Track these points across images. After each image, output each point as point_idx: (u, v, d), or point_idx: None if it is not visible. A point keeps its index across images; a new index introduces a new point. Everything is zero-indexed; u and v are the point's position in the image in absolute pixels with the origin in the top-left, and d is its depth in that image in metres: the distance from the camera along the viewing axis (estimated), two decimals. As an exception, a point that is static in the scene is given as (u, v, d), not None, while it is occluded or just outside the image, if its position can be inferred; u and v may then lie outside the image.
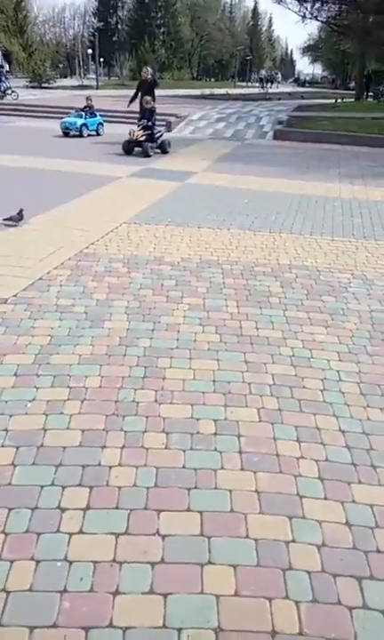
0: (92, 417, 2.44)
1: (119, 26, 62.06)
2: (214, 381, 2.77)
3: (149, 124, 10.50)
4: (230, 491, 2.03)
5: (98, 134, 13.05)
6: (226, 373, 2.85)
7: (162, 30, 59.19)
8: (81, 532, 1.81)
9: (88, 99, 13.42)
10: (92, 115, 13.16)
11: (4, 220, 5.22)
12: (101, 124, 13.33)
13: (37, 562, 1.69)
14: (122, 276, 4.22)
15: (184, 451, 2.24)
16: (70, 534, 1.80)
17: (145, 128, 10.42)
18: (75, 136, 12.72)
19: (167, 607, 1.57)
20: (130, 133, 10.37)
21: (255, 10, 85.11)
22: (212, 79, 72.66)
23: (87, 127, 12.78)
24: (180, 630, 1.51)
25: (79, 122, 12.64)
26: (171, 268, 4.43)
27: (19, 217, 5.23)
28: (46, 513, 1.88)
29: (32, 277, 4.06)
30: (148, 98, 10.81)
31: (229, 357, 3.02)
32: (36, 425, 2.36)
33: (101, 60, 45.09)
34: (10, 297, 3.70)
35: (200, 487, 2.04)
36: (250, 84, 65.96)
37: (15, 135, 13.35)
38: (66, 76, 54.45)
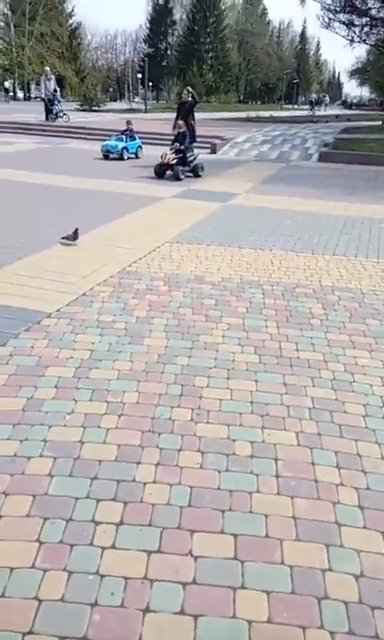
0: (128, 432, 2.47)
1: (168, 51, 64.22)
2: (252, 402, 2.75)
3: (182, 147, 10.38)
4: (266, 515, 1.99)
5: (137, 157, 13.13)
6: (264, 395, 2.83)
7: (210, 55, 60.77)
8: (113, 546, 1.82)
9: (128, 122, 13.62)
10: (132, 138, 13.31)
11: (62, 238, 5.45)
12: (141, 146, 13.48)
13: (70, 573, 1.71)
14: (162, 294, 4.28)
15: (219, 471, 2.22)
16: (103, 548, 1.81)
17: (177, 152, 10.32)
18: (115, 159, 12.84)
19: (197, 629, 1.55)
20: (162, 157, 10.35)
21: (303, 34, 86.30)
22: (259, 102, 73.66)
23: (127, 150, 12.90)
24: (209, 655, 1.48)
25: (120, 145, 12.78)
26: (211, 288, 4.46)
27: (74, 236, 5.42)
28: (80, 525, 1.90)
29: (76, 293, 4.18)
30: (181, 122, 10.88)
31: (268, 379, 3.00)
32: (73, 437, 2.41)
33: (150, 83, 46.70)
34: (53, 311, 3.81)
35: (235, 510, 2.02)
36: (296, 106, 66.49)
37: (66, 156, 13.90)
38: (115, 100, 56.58)
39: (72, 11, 52.74)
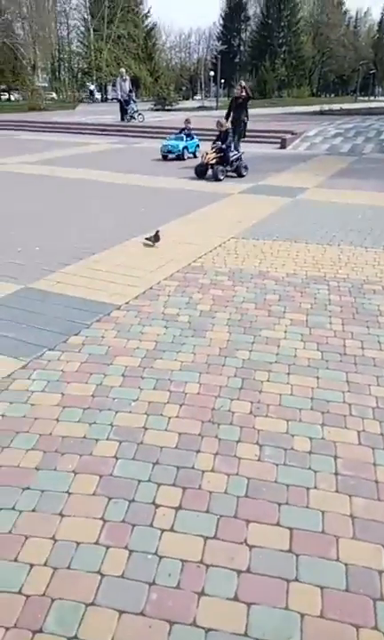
0: (189, 421, 2.53)
1: (241, 47, 63.77)
2: (312, 399, 2.72)
3: (223, 146, 9.80)
4: (323, 512, 1.98)
5: (195, 156, 12.53)
6: (325, 392, 2.78)
7: (283, 49, 59.63)
8: (172, 529, 1.89)
9: (186, 121, 13.13)
10: (191, 137, 12.89)
11: (146, 239, 5.42)
12: (198, 145, 12.94)
13: (130, 551, 1.80)
14: (226, 289, 4.31)
15: (277, 465, 2.23)
16: (162, 530, 1.89)
17: (218, 151, 9.80)
18: (173, 159, 12.40)
19: (250, 616, 1.58)
20: (202, 156, 10.00)
21: (381, 23, 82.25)
22: (333, 95, 71.33)
23: (188, 150, 12.55)
24: (260, 642, 1.51)
25: (181, 145, 12.43)
26: (275, 283, 4.43)
27: (156, 238, 5.38)
28: (142, 507, 1.99)
29: (143, 287, 4.32)
30: (222, 121, 10.30)
31: (330, 376, 2.95)
32: (137, 423, 2.51)
33: (222, 80, 46.64)
34: (122, 304, 3.96)
35: (291, 503, 2.02)
36: (372, 98, 63.64)
37: (138, 155, 14.26)
38: (187, 98, 57.10)
39: (148, 12, 53.80)
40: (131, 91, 20.47)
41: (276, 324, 3.62)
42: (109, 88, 50.46)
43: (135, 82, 45.94)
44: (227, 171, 9.89)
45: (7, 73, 39.47)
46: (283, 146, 15.08)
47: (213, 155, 9.74)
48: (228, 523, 1.92)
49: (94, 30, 45.83)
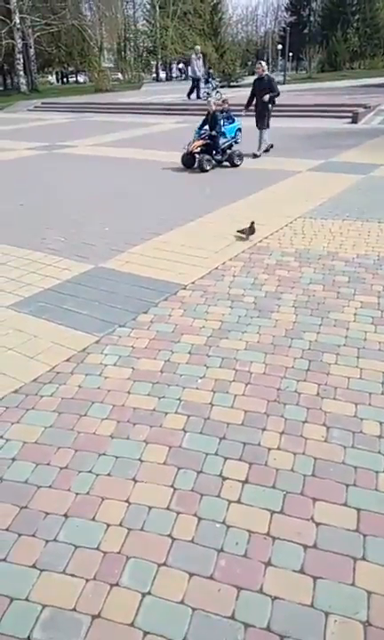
0: (254, 400, 2.57)
1: (311, 17, 60.76)
2: (383, 383, 2.66)
3: (213, 132, 8.50)
4: (392, 495, 1.96)
5: (235, 142, 10.41)
6: (397, 376, 2.71)
7: (356, 17, 56.19)
8: (239, 501, 1.95)
9: (225, 101, 11.04)
10: (230, 120, 10.78)
11: (238, 232, 5.03)
12: (240, 129, 10.54)
13: (199, 519, 1.88)
14: (292, 269, 4.25)
15: (345, 447, 2.22)
16: (229, 501, 1.95)
17: (208, 138, 8.57)
18: None
19: (316, 589, 1.61)
20: (188, 144, 8.63)
21: None
22: (410, 64, 66.55)
23: (224, 135, 10.16)
24: (327, 614, 1.54)
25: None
26: (345, 264, 4.31)
27: (250, 230, 4.97)
28: (209, 478, 2.06)
29: (209, 267, 4.35)
30: (216, 99, 9.25)
31: (403, 360, 2.86)
32: (204, 399, 2.58)
33: (290, 54, 44.82)
34: (188, 284, 4.02)
35: (359, 485, 2.01)
36: None
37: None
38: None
39: (214, -15, 52.36)
40: (210, 68, 19.96)
41: (345, 307, 3.54)
42: (174, 66, 50.00)
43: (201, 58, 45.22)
44: (217, 161, 8.68)
45: (75, 55, 40.07)
46: (354, 120, 14.37)
47: (200, 142, 8.50)
48: (295, 499, 1.95)
49: (160, 7, 45.29)
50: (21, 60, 32.28)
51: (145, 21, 49.82)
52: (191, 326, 3.34)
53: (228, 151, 8.89)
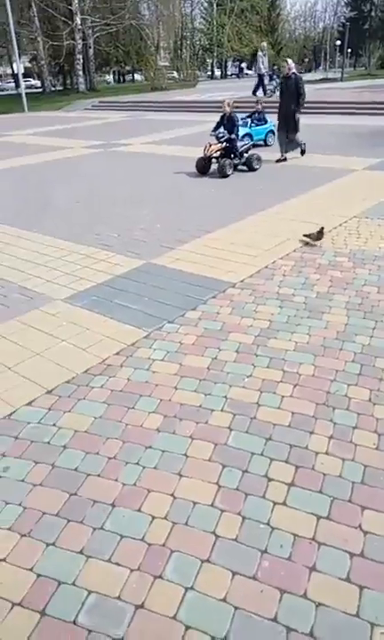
0: (302, 402, 2.52)
1: (372, 12, 58.84)
2: None
3: (233, 136, 8.00)
4: None
5: (266, 144, 10.34)
6: None
7: (421, 10, 53.87)
8: (284, 503, 1.93)
9: (258, 102, 10.84)
10: (262, 121, 10.48)
11: (304, 236, 4.79)
12: (272, 131, 10.41)
13: (244, 518, 1.87)
14: (346, 270, 4.15)
15: (397, 455, 2.15)
16: (274, 503, 1.93)
17: (225, 142, 8.04)
18: None
19: (362, 599, 1.57)
20: (205, 148, 8.05)
21: None
22: None
23: (251, 138, 9.82)
24: (373, 625, 1.50)
25: (241, 132, 9.42)
26: (402, 267, 4.16)
27: (318, 236, 4.72)
28: (254, 478, 2.05)
29: (258, 266, 4.31)
30: (229, 100, 8.36)
31: None
32: (251, 399, 2.56)
33: (349, 50, 43.63)
34: (237, 282, 4.00)
35: (411, 496, 1.94)
36: None
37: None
38: (310, 70, 54.39)
39: (273, -19, 51.72)
40: (274, 65, 19.80)
41: (400, 310, 3.41)
42: (229, 64, 49.80)
43: (255, 55, 44.84)
44: (236, 165, 8.18)
45: (132, 54, 40.70)
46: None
47: (217, 146, 7.99)
48: (342, 506, 1.91)
49: (218, 5, 45.27)
50: (81, 60, 33.12)
51: (202, 19, 49.93)
52: (239, 325, 3.32)
53: (246, 155, 8.30)
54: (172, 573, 1.68)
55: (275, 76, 19.43)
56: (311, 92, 20.44)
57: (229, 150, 8.03)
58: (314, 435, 2.29)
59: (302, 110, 8.69)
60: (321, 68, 54.67)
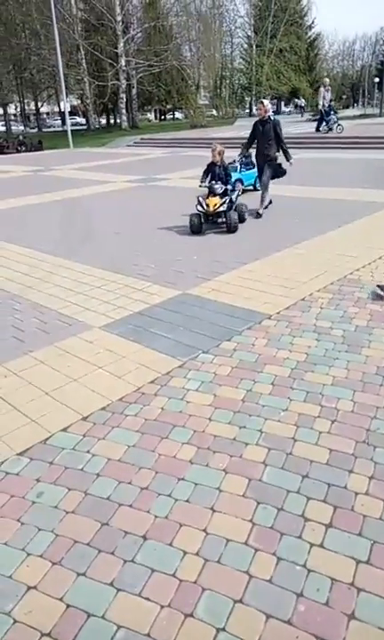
0: (341, 439, 2.45)
1: (411, 50, 59.71)
2: None
3: (229, 187, 7.04)
4: None
5: (255, 189, 9.25)
6: None
7: None
8: (322, 545, 1.85)
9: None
10: (248, 165, 9.54)
11: (378, 286, 4.33)
12: None
13: (279, 559, 1.81)
14: (386, 304, 4.08)
15: None
16: (311, 544, 1.86)
17: (223, 194, 6.94)
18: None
19: (406, 655, 1.47)
20: (199, 203, 6.87)
21: None
22: None
23: (242, 182, 9.16)
24: None
25: (233, 177, 7.93)
26: None
27: None
28: (290, 517, 1.98)
29: (295, 298, 4.29)
30: (220, 148, 7.12)
31: None
32: (286, 433, 2.51)
33: (387, 87, 44.13)
34: (274, 313, 3.99)
35: None
36: None
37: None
38: (347, 107, 55.16)
39: (312, 23, 53.39)
40: (331, 100, 20.07)
41: None
42: (267, 100, 51.03)
43: (294, 93, 45.90)
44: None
45: (173, 93, 42.49)
46: None
47: (218, 200, 6.82)
48: (383, 551, 1.82)
49: (257, 46, 46.94)
50: (124, 99, 34.84)
51: (241, 59, 51.74)
52: (275, 357, 3.30)
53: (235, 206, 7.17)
54: (204, 612, 1.63)
55: (331, 112, 19.80)
56: (351, 127, 20.77)
57: (230, 202, 6.96)
58: (353, 474, 2.21)
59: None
60: (359, 104, 55.45)
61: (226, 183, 7.05)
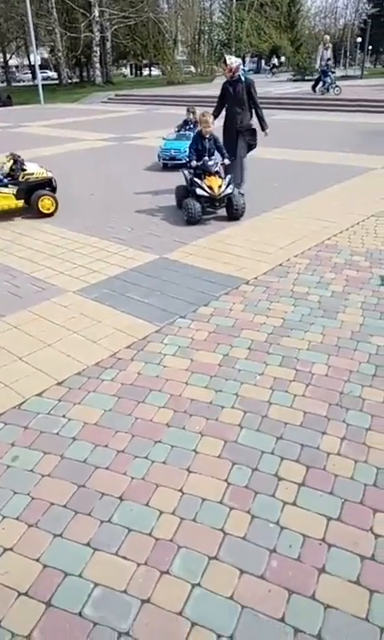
0: (315, 402, 2.49)
1: (395, 9, 57.98)
2: None
3: (225, 160, 5.61)
4: None
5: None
6: None
7: None
8: (294, 504, 1.90)
9: (189, 110, 8.72)
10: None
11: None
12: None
13: (253, 517, 1.85)
14: (362, 270, 4.09)
15: (410, 459, 2.11)
16: (284, 503, 1.91)
17: (225, 171, 5.65)
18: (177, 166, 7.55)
19: (372, 603, 1.55)
20: (197, 185, 5.28)
21: None
22: None
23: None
24: (382, 629, 1.47)
25: (184, 145, 7.64)
26: (419, 268, 4.09)
27: None
28: (264, 477, 2.03)
29: (273, 263, 4.27)
30: (207, 117, 5.58)
31: None
32: (262, 397, 2.53)
33: (370, 47, 43.09)
34: (251, 279, 3.97)
35: None
36: None
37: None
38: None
39: (294, -24, 51.13)
40: (329, 59, 18.16)
41: (417, 312, 3.36)
42: (247, 59, 49.32)
43: (274, 51, 44.36)
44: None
45: (150, 48, 40.55)
46: None
47: (220, 180, 5.37)
48: (354, 508, 1.88)
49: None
50: (98, 53, 33.09)
51: (220, 14, 49.47)
52: (252, 322, 3.29)
53: None
54: (179, 569, 1.67)
55: (329, 72, 18.17)
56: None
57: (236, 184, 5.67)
58: (326, 435, 2.26)
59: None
60: (341, 65, 54.11)
61: (223, 155, 5.62)
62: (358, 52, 44.96)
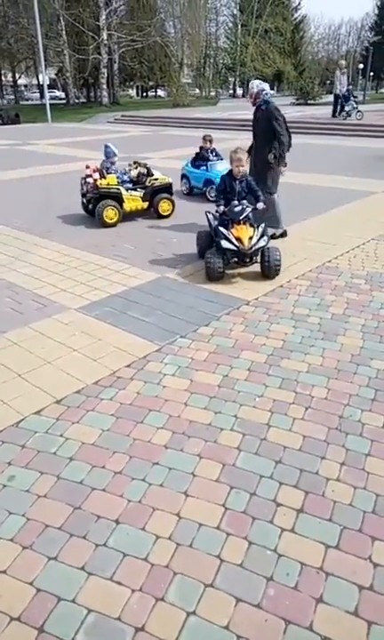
0: (314, 426, 2.48)
1: (396, 37, 59.47)
2: None
3: (260, 205, 4.51)
4: None
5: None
6: None
7: None
8: (293, 530, 1.88)
9: (206, 138, 7.79)
10: (218, 156, 7.68)
11: None
12: None
13: (250, 543, 1.82)
14: (362, 292, 4.11)
15: (409, 486, 2.09)
16: (282, 529, 1.88)
17: (256, 215, 4.66)
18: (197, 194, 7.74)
19: (370, 636, 1.51)
20: (223, 237, 4.28)
21: None
22: None
23: (214, 182, 6.84)
24: (381, 665, 1.44)
25: (203, 177, 7.53)
26: (419, 292, 4.11)
27: None
28: (262, 502, 2.00)
29: (274, 284, 4.29)
30: (241, 156, 4.49)
31: None
32: (261, 419, 2.52)
33: (372, 73, 44.04)
34: (252, 299, 3.99)
35: None
36: None
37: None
38: (331, 92, 54.81)
39: (298, 4, 52.62)
40: (350, 84, 18.36)
41: (417, 336, 3.37)
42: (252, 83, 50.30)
43: (278, 76, 45.37)
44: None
45: (156, 70, 41.48)
46: None
47: (251, 231, 4.36)
48: (352, 536, 1.85)
49: (242, 25, 46.04)
50: (105, 74, 33.81)
51: (226, 39, 50.77)
52: (252, 343, 3.30)
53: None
54: (175, 596, 1.64)
55: (350, 97, 18.13)
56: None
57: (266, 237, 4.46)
58: (325, 460, 2.24)
59: (285, 165, 5.28)
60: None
61: (257, 199, 4.55)
62: (360, 77, 45.93)
